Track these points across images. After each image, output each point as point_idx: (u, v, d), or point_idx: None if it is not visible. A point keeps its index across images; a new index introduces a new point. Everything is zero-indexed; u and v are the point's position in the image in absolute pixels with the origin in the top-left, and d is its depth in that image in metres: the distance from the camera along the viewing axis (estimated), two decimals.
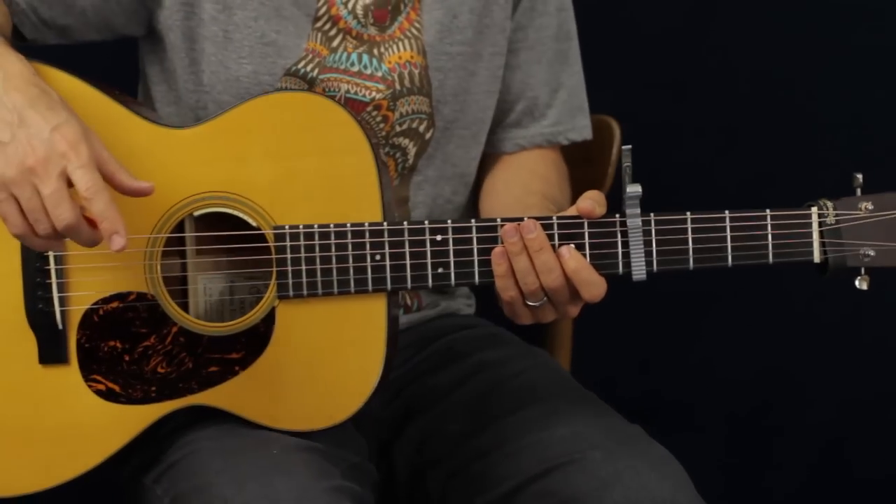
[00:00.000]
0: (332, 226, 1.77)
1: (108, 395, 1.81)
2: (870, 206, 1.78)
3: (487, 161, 2.05)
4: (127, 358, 1.80)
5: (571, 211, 1.77)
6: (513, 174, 2.03)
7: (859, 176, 1.78)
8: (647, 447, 1.81)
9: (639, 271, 1.76)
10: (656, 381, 2.68)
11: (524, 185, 1.99)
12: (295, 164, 1.78)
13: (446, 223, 1.78)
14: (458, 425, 1.91)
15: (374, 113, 1.92)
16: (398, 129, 1.93)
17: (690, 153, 2.57)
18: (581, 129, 2.06)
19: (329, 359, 1.80)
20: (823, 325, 2.64)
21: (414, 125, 1.93)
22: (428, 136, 1.94)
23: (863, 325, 2.61)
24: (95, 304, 1.80)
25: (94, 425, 1.81)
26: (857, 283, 1.79)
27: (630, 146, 1.74)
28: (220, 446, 1.78)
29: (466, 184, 2.01)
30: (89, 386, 1.81)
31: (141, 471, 1.84)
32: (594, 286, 1.75)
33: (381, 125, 1.92)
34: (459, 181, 2.00)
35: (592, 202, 1.76)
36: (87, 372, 1.81)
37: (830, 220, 1.78)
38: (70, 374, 1.81)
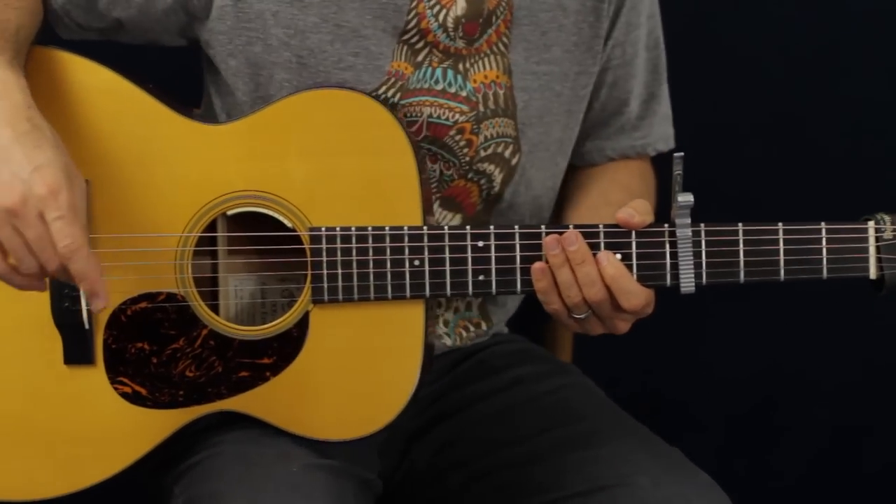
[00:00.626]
0: (370, 228, 1.72)
1: (134, 398, 1.76)
2: None
3: (568, 170, 1.95)
4: (155, 360, 1.75)
5: None
6: (592, 182, 1.94)
7: None
8: (692, 473, 1.78)
9: (687, 284, 1.71)
10: (656, 380, 2.66)
11: (603, 193, 1.91)
12: (333, 163, 1.72)
13: (489, 229, 1.72)
14: (488, 432, 1.87)
15: (458, 137, 1.83)
16: (482, 153, 1.84)
17: (719, 153, 2.52)
18: (667, 138, 1.99)
19: (363, 367, 1.74)
20: (824, 323, 2.60)
21: (499, 150, 1.84)
22: (514, 161, 1.85)
23: (864, 323, 2.58)
24: (123, 303, 1.75)
25: (118, 429, 1.76)
26: None
27: (682, 154, 1.68)
28: (241, 453, 1.74)
29: (542, 206, 1.91)
30: (115, 388, 1.76)
31: (164, 467, 1.80)
32: (633, 296, 1.69)
33: (465, 150, 1.83)
34: (536, 205, 1.90)
35: (632, 211, 1.70)
36: (114, 373, 1.76)
37: (888, 234, 1.72)
38: (95, 376, 1.76)
